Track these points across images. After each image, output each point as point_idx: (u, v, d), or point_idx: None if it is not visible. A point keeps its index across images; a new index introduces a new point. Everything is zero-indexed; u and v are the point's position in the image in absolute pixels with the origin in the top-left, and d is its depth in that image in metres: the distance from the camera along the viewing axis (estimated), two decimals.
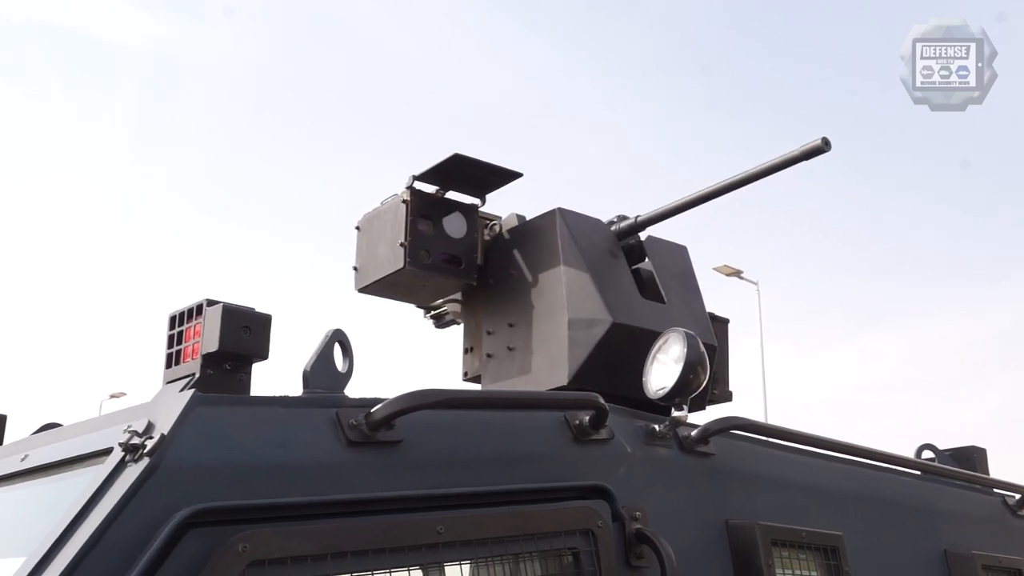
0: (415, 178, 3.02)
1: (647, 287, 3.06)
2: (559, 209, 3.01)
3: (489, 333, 3.15)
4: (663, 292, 3.04)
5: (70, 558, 1.49)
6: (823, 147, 2.60)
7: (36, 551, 1.55)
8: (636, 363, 2.86)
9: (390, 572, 1.69)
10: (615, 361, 2.82)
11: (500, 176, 3.09)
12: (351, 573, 1.66)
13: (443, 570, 1.93)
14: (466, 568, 1.88)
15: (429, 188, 3.09)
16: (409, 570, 1.75)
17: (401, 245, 2.98)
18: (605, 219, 3.15)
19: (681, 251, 3.26)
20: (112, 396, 26.77)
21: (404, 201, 3.01)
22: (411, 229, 2.97)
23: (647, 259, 3.12)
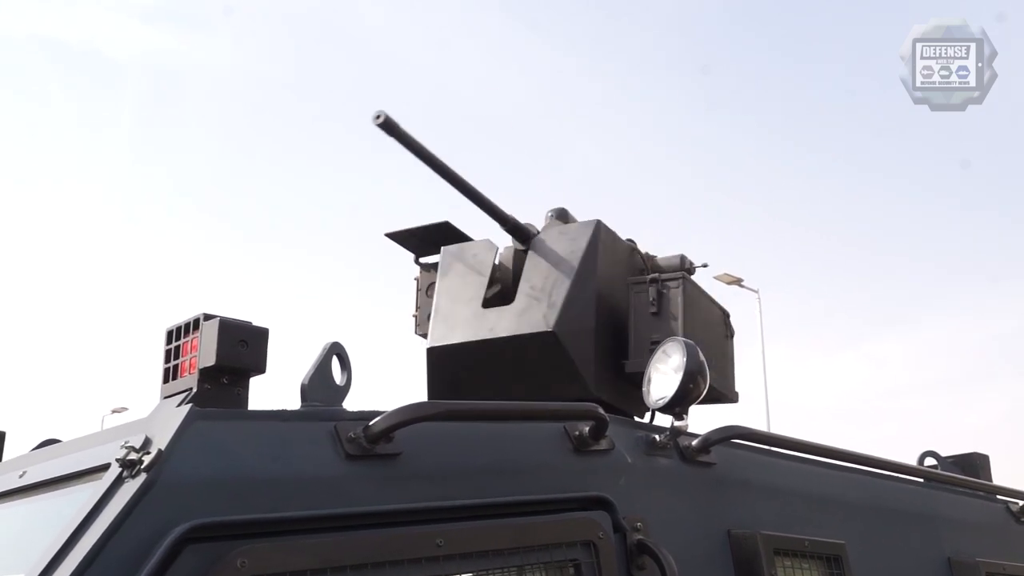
0: (417, 263, 3.55)
1: (509, 292, 3.21)
2: (444, 249, 3.37)
3: None
4: (517, 293, 3.16)
5: (68, 575, 1.48)
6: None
7: (33, 569, 1.54)
8: (477, 378, 3.10)
9: None
10: (456, 383, 3.12)
11: (442, 233, 3.43)
12: None
13: None
14: None
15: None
16: None
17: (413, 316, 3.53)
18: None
19: (579, 231, 3.23)
20: (114, 411, 26.71)
21: (415, 278, 3.56)
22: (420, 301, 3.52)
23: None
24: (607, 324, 3.12)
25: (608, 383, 3.07)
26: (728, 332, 3.44)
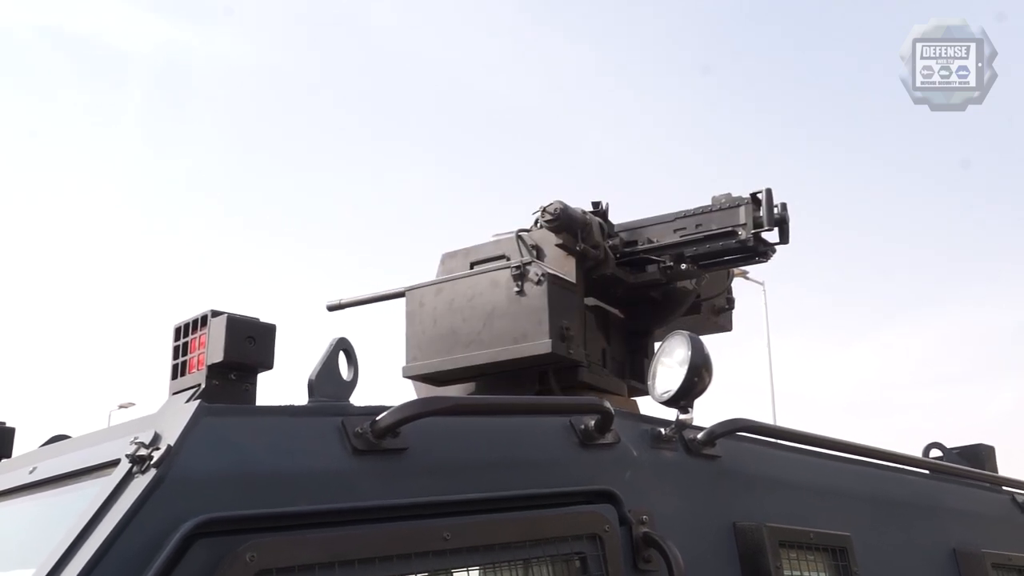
0: None
1: None
2: None
3: None
4: None
5: (78, 570, 1.49)
6: None
7: (44, 564, 1.56)
8: None
9: None
10: None
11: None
12: None
13: None
14: (474, 574, 1.87)
15: None
16: None
17: None
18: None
19: None
20: (121, 407, 26.76)
21: None
22: None
23: None
24: None
25: None
26: (537, 278, 2.80)
